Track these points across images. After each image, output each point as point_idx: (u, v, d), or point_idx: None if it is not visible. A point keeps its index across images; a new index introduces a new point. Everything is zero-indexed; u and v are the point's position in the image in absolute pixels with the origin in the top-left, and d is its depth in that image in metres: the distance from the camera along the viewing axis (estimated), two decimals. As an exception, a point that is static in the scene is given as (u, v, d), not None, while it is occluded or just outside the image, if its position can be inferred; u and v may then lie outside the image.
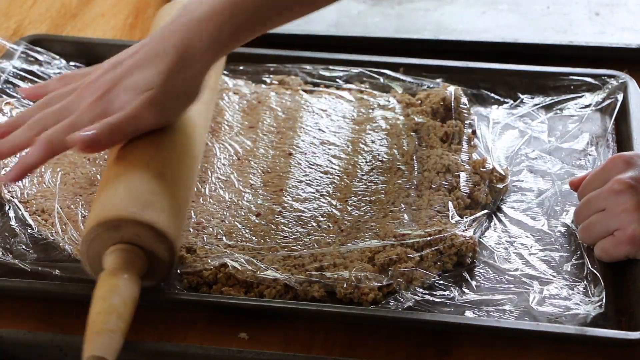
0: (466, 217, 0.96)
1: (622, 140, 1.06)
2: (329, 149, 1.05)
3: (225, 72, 1.14)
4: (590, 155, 1.05)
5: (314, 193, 1.00)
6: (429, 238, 0.92)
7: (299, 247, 0.93)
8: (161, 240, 0.84)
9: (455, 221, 0.95)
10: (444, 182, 0.99)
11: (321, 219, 0.96)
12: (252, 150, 1.05)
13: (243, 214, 0.97)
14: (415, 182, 1.00)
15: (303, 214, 0.97)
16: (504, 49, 1.20)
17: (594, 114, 1.10)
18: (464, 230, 0.94)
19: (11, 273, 0.91)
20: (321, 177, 1.01)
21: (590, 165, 1.04)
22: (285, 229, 0.95)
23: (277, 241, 0.94)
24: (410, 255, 0.91)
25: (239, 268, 0.89)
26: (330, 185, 1.00)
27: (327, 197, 0.99)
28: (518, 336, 0.87)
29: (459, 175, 1.00)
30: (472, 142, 1.05)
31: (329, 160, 1.03)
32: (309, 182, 1.01)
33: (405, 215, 0.96)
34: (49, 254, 0.93)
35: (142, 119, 0.90)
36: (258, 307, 0.88)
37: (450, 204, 0.97)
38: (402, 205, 0.98)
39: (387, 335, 0.88)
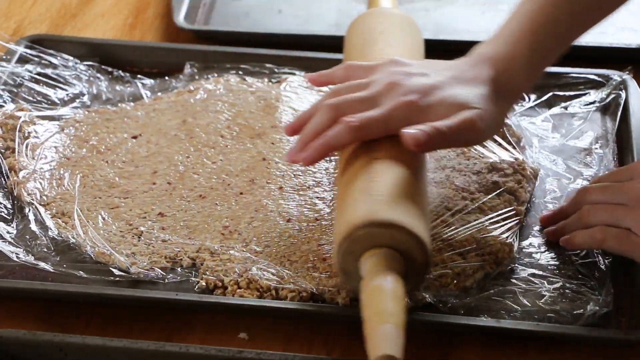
0: (507, 218, 0.96)
1: (622, 139, 1.06)
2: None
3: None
4: (596, 153, 1.05)
5: None
6: (470, 241, 0.92)
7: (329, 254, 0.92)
8: (415, 241, 0.82)
9: (496, 221, 0.95)
10: (488, 181, 0.99)
11: None
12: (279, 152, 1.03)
13: (272, 217, 0.96)
14: (460, 184, 0.99)
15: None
16: (504, 49, 1.20)
17: (596, 114, 1.10)
18: (502, 234, 0.94)
19: (32, 275, 0.91)
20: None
21: (597, 163, 1.04)
22: (323, 237, 0.94)
23: (310, 247, 0.93)
24: (451, 255, 0.91)
25: (264, 279, 0.89)
26: None
27: None
28: (518, 336, 0.87)
29: (503, 174, 1.00)
30: (521, 143, 1.05)
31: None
32: None
33: (451, 218, 0.95)
34: (70, 256, 0.93)
35: (463, 134, 0.89)
36: (258, 307, 0.88)
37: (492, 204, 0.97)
38: (448, 206, 0.97)
39: (387, 335, 0.88)
